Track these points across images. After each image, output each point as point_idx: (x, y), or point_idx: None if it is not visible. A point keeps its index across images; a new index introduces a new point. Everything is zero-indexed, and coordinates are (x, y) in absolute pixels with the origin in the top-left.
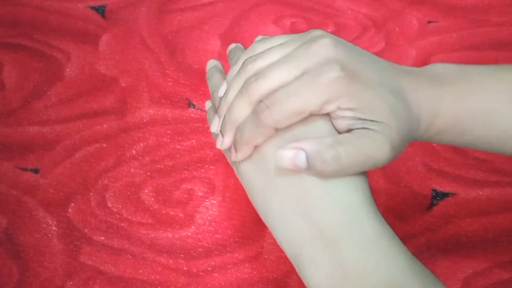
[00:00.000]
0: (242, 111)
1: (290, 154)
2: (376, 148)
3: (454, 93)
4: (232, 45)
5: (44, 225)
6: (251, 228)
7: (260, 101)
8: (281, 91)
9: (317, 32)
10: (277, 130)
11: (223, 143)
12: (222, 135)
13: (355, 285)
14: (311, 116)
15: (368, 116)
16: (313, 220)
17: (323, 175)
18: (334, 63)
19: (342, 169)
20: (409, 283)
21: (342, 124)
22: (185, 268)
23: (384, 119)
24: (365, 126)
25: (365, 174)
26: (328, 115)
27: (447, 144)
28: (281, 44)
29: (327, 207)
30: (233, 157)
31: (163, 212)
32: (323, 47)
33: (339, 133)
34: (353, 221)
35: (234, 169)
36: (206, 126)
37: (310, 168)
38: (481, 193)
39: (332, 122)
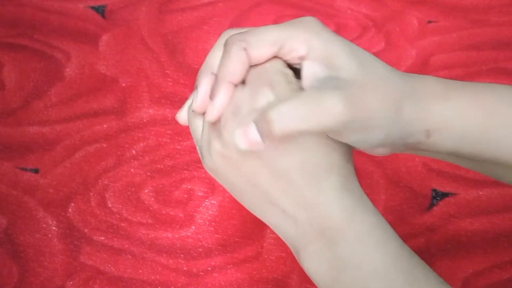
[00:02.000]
0: (217, 57)
1: (241, 132)
2: (323, 103)
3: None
4: None
5: (44, 225)
6: (251, 228)
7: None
8: (253, 29)
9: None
10: (249, 65)
11: (197, 96)
12: (197, 87)
13: (352, 277)
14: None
15: (328, 69)
16: (314, 221)
17: (276, 139)
18: (312, 18)
19: (291, 127)
20: (399, 271)
21: (306, 82)
22: (185, 268)
23: (346, 73)
24: (323, 83)
25: (354, 172)
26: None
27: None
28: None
29: (325, 209)
30: (212, 108)
31: (163, 212)
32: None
33: None
34: (350, 220)
35: (214, 175)
36: None
37: (263, 136)
38: (481, 193)
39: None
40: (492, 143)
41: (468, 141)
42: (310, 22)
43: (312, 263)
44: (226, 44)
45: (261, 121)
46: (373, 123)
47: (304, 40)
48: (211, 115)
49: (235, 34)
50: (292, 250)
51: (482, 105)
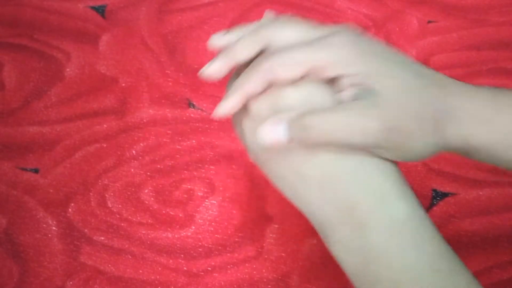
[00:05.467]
0: (245, 49)
1: (269, 128)
2: (362, 119)
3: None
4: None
5: (44, 225)
6: (251, 228)
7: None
8: (288, 45)
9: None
10: (270, 84)
11: (209, 68)
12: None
13: (381, 273)
14: (310, 83)
15: (365, 84)
16: (342, 204)
17: (307, 144)
18: (347, 30)
19: (326, 138)
20: (434, 269)
21: (344, 96)
22: (185, 268)
23: (384, 90)
24: (358, 96)
25: (393, 161)
26: (330, 85)
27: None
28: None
29: (354, 191)
30: (220, 109)
31: (163, 212)
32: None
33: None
34: (380, 205)
35: (254, 158)
36: (206, 126)
37: (292, 138)
38: (481, 193)
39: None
40: None
41: (507, 160)
42: (342, 41)
43: (340, 251)
44: (253, 66)
45: (298, 124)
46: (410, 144)
47: (335, 65)
48: (216, 113)
49: (264, 58)
50: (320, 235)
51: None
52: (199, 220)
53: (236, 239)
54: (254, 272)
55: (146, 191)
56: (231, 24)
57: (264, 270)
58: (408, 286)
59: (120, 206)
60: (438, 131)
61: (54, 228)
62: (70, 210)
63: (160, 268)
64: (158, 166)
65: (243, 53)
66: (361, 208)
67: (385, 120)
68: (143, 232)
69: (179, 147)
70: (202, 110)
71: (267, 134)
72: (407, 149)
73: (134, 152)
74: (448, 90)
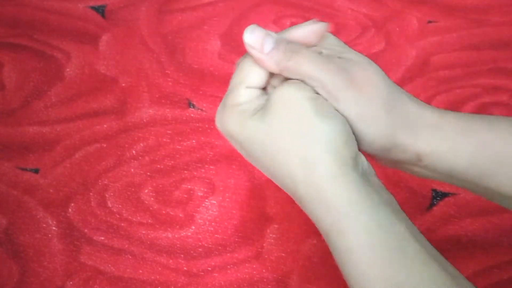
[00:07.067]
0: None
1: (260, 33)
2: (336, 65)
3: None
4: None
5: (44, 225)
6: (251, 228)
7: None
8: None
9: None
10: None
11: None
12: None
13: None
14: None
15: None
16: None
17: (282, 67)
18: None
19: (303, 69)
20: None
21: None
22: (185, 268)
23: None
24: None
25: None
26: None
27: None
28: None
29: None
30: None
31: (163, 212)
32: None
33: None
34: (356, 214)
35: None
36: (206, 126)
37: (272, 54)
38: None
39: None
40: (483, 174)
41: (458, 170)
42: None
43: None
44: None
45: (285, 45)
46: (367, 119)
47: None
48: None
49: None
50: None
51: (473, 136)
52: (199, 220)
53: (236, 239)
54: (254, 272)
55: (146, 191)
56: (231, 24)
57: (264, 270)
58: None
59: (120, 206)
60: (390, 122)
61: (54, 228)
62: (70, 210)
63: (160, 268)
64: (158, 166)
65: None
66: (336, 217)
67: (349, 78)
68: (143, 232)
69: (179, 147)
70: (202, 110)
71: (254, 34)
72: (361, 120)
73: (134, 152)
74: (407, 100)
